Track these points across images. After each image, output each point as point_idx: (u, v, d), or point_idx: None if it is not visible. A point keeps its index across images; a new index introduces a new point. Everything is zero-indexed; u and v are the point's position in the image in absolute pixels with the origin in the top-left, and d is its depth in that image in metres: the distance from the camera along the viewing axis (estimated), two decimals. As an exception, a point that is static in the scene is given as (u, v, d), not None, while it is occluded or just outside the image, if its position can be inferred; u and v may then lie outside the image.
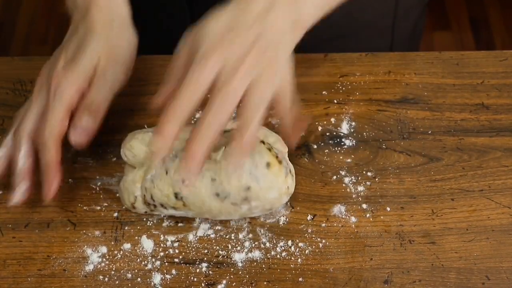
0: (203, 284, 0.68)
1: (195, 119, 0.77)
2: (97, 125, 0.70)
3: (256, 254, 0.70)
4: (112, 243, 0.71)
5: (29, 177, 0.70)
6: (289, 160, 0.72)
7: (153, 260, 0.70)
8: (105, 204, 0.74)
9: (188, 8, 0.96)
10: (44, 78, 0.72)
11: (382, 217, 0.73)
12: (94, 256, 0.70)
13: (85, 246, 0.71)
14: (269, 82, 0.63)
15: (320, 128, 0.79)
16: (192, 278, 0.69)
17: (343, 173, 0.76)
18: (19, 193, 0.70)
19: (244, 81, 0.62)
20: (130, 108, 0.81)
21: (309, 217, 0.72)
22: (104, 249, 0.71)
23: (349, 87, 0.82)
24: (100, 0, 0.73)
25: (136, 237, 0.71)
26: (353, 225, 0.72)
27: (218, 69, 0.62)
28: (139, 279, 0.69)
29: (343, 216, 0.73)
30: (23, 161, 0.70)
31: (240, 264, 0.70)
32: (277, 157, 0.69)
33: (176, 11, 0.97)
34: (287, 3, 0.66)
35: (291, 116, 0.66)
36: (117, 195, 0.74)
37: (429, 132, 0.79)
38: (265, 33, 0.64)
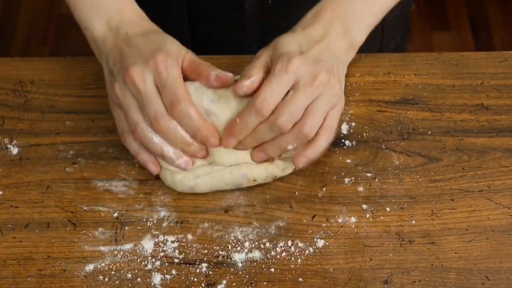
0: (203, 284, 0.68)
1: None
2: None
3: (256, 254, 0.70)
4: (112, 243, 0.71)
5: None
6: (290, 161, 0.73)
7: (153, 260, 0.70)
8: (105, 204, 0.74)
9: (187, 5, 0.96)
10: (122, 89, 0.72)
11: (382, 217, 0.73)
12: (94, 256, 0.70)
13: (85, 246, 0.71)
14: (329, 101, 0.72)
15: (320, 129, 0.79)
16: (192, 278, 0.69)
17: (343, 173, 0.76)
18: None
19: (312, 96, 0.70)
20: (130, 109, 0.81)
21: (309, 217, 0.73)
22: (104, 249, 0.71)
23: (349, 88, 0.82)
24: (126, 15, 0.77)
25: (136, 237, 0.71)
26: (353, 225, 0.72)
27: (298, 72, 0.70)
28: (139, 279, 0.69)
29: (343, 216, 0.73)
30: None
31: (240, 264, 0.70)
32: None
33: (176, 9, 0.97)
34: (340, 32, 0.75)
35: (330, 137, 0.73)
36: (117, 195, 0.74)
37: (429, 132, 0.79)
38: (327, 51, 0.73)
